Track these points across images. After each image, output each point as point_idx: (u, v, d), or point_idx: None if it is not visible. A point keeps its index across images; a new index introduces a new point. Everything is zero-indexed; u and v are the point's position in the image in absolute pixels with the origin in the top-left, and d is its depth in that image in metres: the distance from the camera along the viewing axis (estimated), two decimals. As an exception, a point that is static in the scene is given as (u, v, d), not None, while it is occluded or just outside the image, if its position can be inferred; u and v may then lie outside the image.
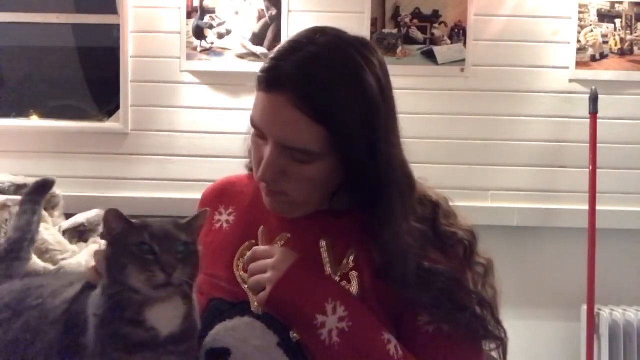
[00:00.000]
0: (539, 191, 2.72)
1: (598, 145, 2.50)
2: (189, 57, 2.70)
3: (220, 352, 0.88)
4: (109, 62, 2.77)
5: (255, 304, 0.93)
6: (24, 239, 1.03)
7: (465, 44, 2.69)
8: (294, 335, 0.91)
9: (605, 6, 2.69)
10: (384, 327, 0.92)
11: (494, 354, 1.00)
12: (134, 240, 0.79)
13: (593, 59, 2.70)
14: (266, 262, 0.92)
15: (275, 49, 0.95)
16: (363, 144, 0.92)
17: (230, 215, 1.09)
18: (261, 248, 0.96)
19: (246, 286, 0.95)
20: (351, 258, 0.97)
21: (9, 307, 0.89)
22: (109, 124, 2.79)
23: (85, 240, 2.30)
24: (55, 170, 2.61)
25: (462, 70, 2.69)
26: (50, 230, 2.18)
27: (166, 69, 2.72)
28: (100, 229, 2.35)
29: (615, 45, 2.70)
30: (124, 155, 2.75)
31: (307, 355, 0.90)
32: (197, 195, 1.18)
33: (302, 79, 0.89)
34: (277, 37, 2.67)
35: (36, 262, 1.95)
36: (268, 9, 2.68)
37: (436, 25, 2.69)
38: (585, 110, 2.53)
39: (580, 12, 2.69)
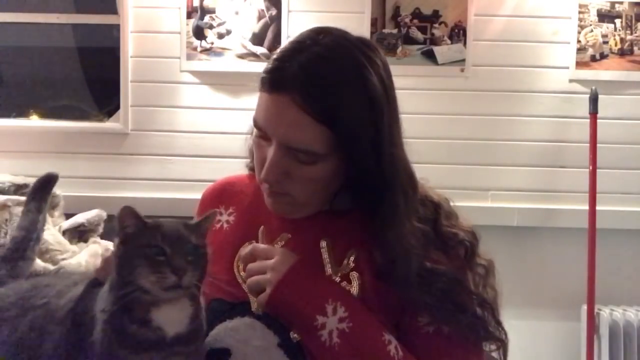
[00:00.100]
0: (539, 191, 2.72)
1: (598, 145, 2.50)
2: (189, 57, 2.70)
3: (221, 352, 0.88)
4: (109, 62, 2.77)
5: (256, 304, 0.93)
6: (29, 238, 1.03)
7: (465, 44, 2.69)
8: (294, 335, 0.91)
9: (605, 6, 2.69)
10: (384, 328, 0.92)
11: (495, 354, 1.00)
12: (146, 240, 0.79)
13: (593, 59, 2.70)
14: (266, 263, 0.92)
15: (279, 50, 0.95)
16: (367, 144, 0.92)
17: (230, 216, 1.09)
18: (260, 246, 0.96)
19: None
20: (351, 258, 0.97)
21: (16, 305, 0.89)
22: (109, 124, 2.79)
23: (85, 240, 2.30)
24: (55, 170, 2.60)
25: (462, 70, 2.69)
26: (50, 230, 2.18)
27: (166, 69, 2.72)
28: (100, 229, 2.35)
29: (615, 45, 2.70)
30: (124, 155, 2.75)
31: (307, 355, 0.90)
32: (197, 195, 1.18)
33: (306, 79, 0.89)
34: (277, 37, 2.67)
35: (36, 262, 1.95)
36: (268, 9, 2.68)
37: (436, 25, 2.69)
38: (585, 110, 2.53)
39: (580, 12, 2.69)
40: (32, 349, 0.84)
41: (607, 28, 2.69)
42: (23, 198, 2.14)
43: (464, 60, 2.69)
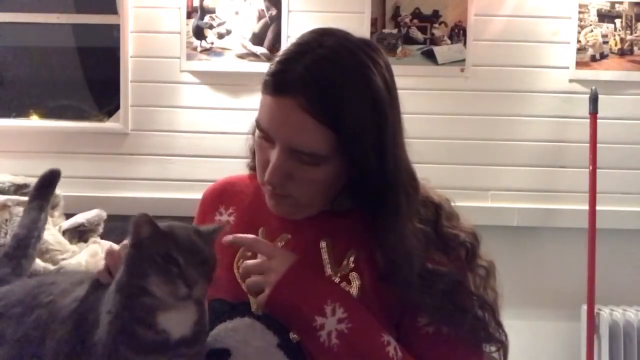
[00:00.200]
0: (539, 191, 2.72)
1: (598, 145, 2.50)
2: (189, 57, 2.70)
3: (221, 352, 0.88)
4: (109, 62, 2.77)
5: (255, 305, 0.93)
6: (31, 236, 1.02)
7: (465, 44, 2.69)
8: (293, 336, 0.91)
9: (605, 6, 2.69)
10: (384, 329, 0.92)
11: (495, 355, 1.00)
12: (159, 249, 0.78)
13: (593, 59, 2.70)
14: (265, 263, 0.92)
15: (281, 52, 0.94)
16: (370, 146, 0.92)
17: (230, 216, 1.08)
18: (263, 243, 0.95)
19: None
20: (351, 259, 0.97)
21: (22, 302, 0.89)
22: (109, 124, 2.79)
23: (85, 240, 2.30)
24: (55, 170, 2.60)
25: (462, 70, 2.70)
26: (50, 230, 2.18)
27: (166, 69, 2.72)
28: (100, 229, 2.35)
29: (615, 45, 2.70)
30: (124, 155, 2.75)
31: (307, 356, 0.90)
32: (197, 195, 1.18)
33: (311, 82, 0.88)
34: (277, 37, 2.67)
35: (36, 262, 1.95)
36: (268, 9, 2.68)
37: (436, 25, 2.69)
38: (585, 110, 2.53)
39: (580, 12, 2.69)
40: (35, 346, 0.84)
41: (607, 28, 2.69)
42: (23, 198, 2.15)
43: (464, 60, 2.69)
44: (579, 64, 2.69)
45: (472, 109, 2.71)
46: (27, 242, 1.01)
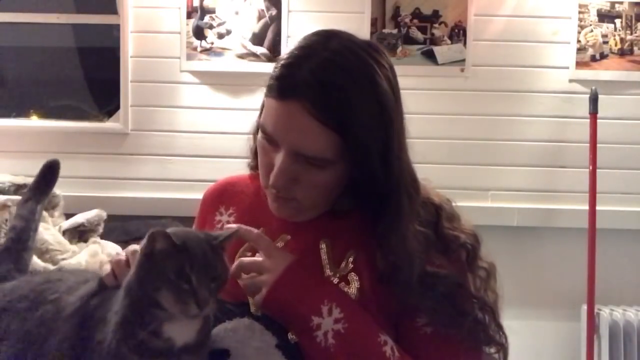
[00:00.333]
0: (539, 191, 2.72)
1: (598, 145, 2.50)
2: (189, 57, 2.70)
3: (220, 353, 0.88)
4: (109, 62, 2.77)
5: (254, 305, 0.93)
6: (29, 228, 1.01)
7: (465, 44, 2.69)
8: (292, 337, 0.91)
9: (605, 6, 2.69)
10: (381, 329, 0.92)
11: (495, 356, 1.00)
12: (173, 265, 0.77)
13: (593, 59, 2.70)
14: (262, 263, 0.91)
15: (286, 55, 0.93)
16: (376, 149, 0.91)
17: (230, 216, 1.09)
18: (264, 240, 0.95)
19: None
20: (350, 259, 0.97)
21: (28, 298, 0.88)
22: (109, 124, 2.79)
23: (85, 240, 2.30)
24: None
25: (462, 70, 2.70)
26: (50, 230, 2.18)
27: (166, 69, 2.72)
28: (100, 229, 2.35)
29: (615, 45, 2.70)
30: (124, 155, 2.75)
31: (305, 357, 0.90)
32: (197, 195, 1.18)
33: (317, 86, 0.88)
34: (277, 37, 2.67)
35: (36, 262, 1.95)
36: (268, 9, 2.68)
37: (436, 25, 2.69)
38: (585, 110, 2.53)
39: (580, 12, 2.69)
40: (40, 342, 0.84)
41: (607, 28, 2.69)
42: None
43: (464, 60, 2.69)
44: (579, 64, 2.69)
45: (472, 109, 2.70)
46: (26, 235, 1.00)
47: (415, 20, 2.69)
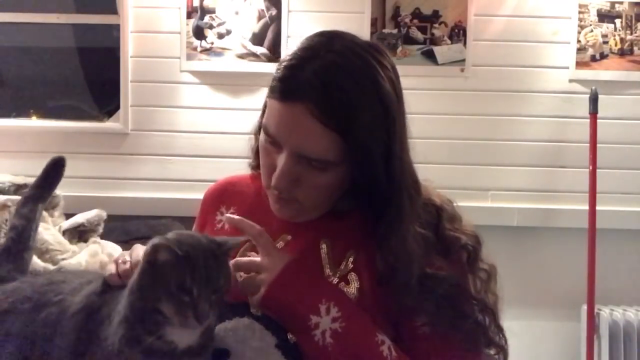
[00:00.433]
0: (539, 191, 2.72)
1: (598, 145, 2.50)
2: (189, 57, 2.70)
3: (220, 352, 0.88)
4: (109, 62, 2.77)
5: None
6: (30, 227, 0.99)
7: (465, 44, 2.69)
8: (291, 336, 0.91)
9: (605, 6, 2.69)
10: (379, 328, 0.92)
11: (495, 357, 1.00)
12: (174, 277, 0.77)
13: (593, 59, 2.70)
14: (260, 262, 0.91)
15: (289, 56, 0.93)
16: (379, 150, 0.91)
17: (231, 216, 1.09)
18: (264, 239, 0.95)
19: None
20: (351, 259, 0.97)
21: (31, 299, 0.88)
22: (109, 124, 2.79)
23: (85, 240, 2.30)
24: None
25: (462, 70, 2.70)
26: (50, 230, 2.18)
27: (166, 69, 2.72)
28: (100, 229, 2.35)
29: (615, 45, 2.70)
30: (124, 155, 2.75)
31: (304, 356, 0.90)
32: (197, 195, 1.18)
33: (321, 88, 0.88)
34: (277, 37, 2.67)
35: (36, 262, 1.95)
36: (268, 9, 2.68)
37: (436, 25, 2.69)
38: (585, 110, 2.53)
39: (580, 12, 2.69)
40: (45, 343, 0.84)
41: (607, 28, 2.69)
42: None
43: (464, 60, 2.69)
44: (579, 64, 2.69)
45: (472, 109, 2.70)
46: (27, 234, 0.99)
47: (415, 20, 2.69)
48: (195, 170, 2.70)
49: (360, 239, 0.98)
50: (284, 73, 0.91)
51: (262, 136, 0.96)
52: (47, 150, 2.72)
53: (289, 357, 0.89)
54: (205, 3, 2.69)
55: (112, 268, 0.87)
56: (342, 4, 2.68)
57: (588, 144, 2.52)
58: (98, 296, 0.85)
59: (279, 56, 2.63)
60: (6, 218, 2.13)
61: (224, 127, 2.69)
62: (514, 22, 2.70)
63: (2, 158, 2.71)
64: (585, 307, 2.53)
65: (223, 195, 1.12)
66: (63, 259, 2.10)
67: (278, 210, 0.99)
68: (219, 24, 2.69)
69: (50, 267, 2.02)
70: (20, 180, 2.36)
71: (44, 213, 2.22)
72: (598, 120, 2.51)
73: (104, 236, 2.34)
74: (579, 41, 2.69)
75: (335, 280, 0.96)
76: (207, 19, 2.69)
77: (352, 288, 0.95)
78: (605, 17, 2.69)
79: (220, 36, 2.69)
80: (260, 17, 2.69)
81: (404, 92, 0.98)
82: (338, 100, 0.88)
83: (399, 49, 2.69)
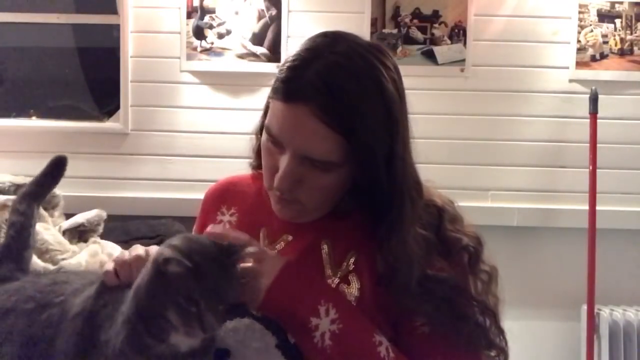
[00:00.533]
0: (539, 191, 2.72)
1: (598, 145, 2.50)
2: (189, 57, 2.70)
3: (220, 352, 0.88)
4: (109, 62, 2.77)
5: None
6: (29, 224, 0.99)
7: (465, 44, 2.69)
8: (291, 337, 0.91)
9: (605, 6, 2.69)
10: (376, 329, 0.91)
11: (496, 359, 1.00)
12: (182, 289, 0.76)
13: (593, 59, 2.70)
14: (255, 268, 0.91)
15: (292, 57, 0.92)
16: (381, 151, 0.91)
17: (232, 216, 1.08)
18: (255, 244, 0.95)
19: None
20: (351, 260, 0.97)
21: (34, 299, 0.88)
22: (109, 124, 2.79)
23: (85, 240, 2.30)
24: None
25: (462, 70, 2.70)
26: (50, 230, 2.18)
27: (166, 69, 2.72)
28: (100, 229, 2.35)
29: (615, 45, 2.70)
30: (124, 155, 2.75)
31: (304, 357, 0.90)
32: (197, 195, 1.18)
33: (324, 89, 0.87)
34: (277, 37, 2.67)
35: (36, 262, 1.95)
36: (268, 9, 2.68)
37: (436, 25, 2.69)
38: (585, 110, 2.53)
39: (580, 12, 2.69)
40: (46, 345, 0.84)
41: (607, 28, 2.69)
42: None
43: (464, 60, 2.69)
44: (579, 64, 2.70)
45: (472, 109, 2.71)
46: (26, 232, 0.98)
47: (415, 20, 2.69)
48: (195, 170, 2.70)
49: (361, 240, 0.97)
50: (287, 74, 0.91)
51: (264, 137, 0.96)
52: (47, 150, 2.71)
53: (289, 358, 0.89)
54: (205, 3, 2.69)
55: (109, 267, 0.86)
56: (342, 4, 2.68)
57: (588, 144, 2.52)
58: (99, 297, 0.85)
59: (279, 56, 2.63)
60: (6, 218, 2.12)
61: (224, 127, 2.69)
62: (514, 22, 2.70)
63: (2, 158, 2.71)
64: (585, 307, 2.53)
65: (224, 195, 1.12)
66: (63, 259, 2.10)
67: (279, 211, 0.99)
68: (219, 24, 2.69)
69: (50, 267, 2.02)
70: (20, 180, 2.36)
71: (45, 213, 2.23)
72: (598, 120, 2.51)
73: (104, 236, 2.34)
74: (579, 41, 2.69)
75: (336, 281, 0.96)
76: (207, 19, 2.69)
77: (353, 288, 0.95)
78: (605, 17, 2.69)
79: (220, 36, 2.69)
80: (260, 17, 2.69)
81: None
82: (342, 101, 0.88)
83: (399, 49, 2.69)
